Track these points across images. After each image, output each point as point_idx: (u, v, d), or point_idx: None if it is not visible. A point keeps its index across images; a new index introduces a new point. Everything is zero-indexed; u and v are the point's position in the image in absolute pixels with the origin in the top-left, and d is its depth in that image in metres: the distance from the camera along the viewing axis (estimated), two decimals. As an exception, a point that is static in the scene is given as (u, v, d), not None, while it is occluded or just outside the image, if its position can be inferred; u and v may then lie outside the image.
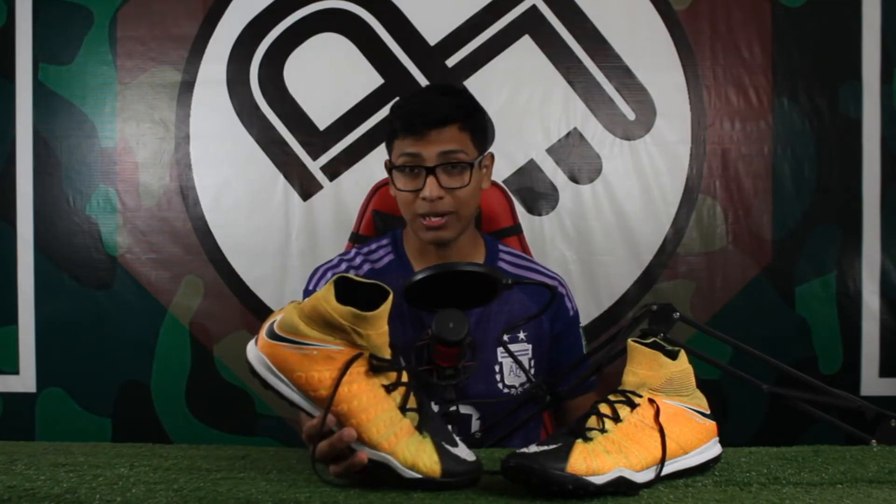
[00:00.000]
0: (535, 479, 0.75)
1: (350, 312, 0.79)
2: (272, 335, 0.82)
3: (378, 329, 0.81)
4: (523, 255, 1.44)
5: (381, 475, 0.79)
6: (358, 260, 1.35)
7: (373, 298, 0.82)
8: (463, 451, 0.82)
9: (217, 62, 2.12)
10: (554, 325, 1.34)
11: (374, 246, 1.37)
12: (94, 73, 2.14)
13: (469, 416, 1.27)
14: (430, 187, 1.21)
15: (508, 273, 1.33)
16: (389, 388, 0.81)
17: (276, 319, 0.82)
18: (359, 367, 0.80)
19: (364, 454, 0.79)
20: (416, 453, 0.79)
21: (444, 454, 0.80)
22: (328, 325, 0.79)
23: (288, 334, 0.81)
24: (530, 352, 1.31)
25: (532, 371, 1.31)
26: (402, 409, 0.81)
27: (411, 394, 0.82)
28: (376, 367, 0.81)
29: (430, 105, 1.26)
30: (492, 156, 1.34)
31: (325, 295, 0.80)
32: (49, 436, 2.11)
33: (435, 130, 1.22)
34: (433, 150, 1.22)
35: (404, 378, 0.83)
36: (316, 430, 0.80)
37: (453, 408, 1.11)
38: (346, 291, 0.82)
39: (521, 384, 1.29)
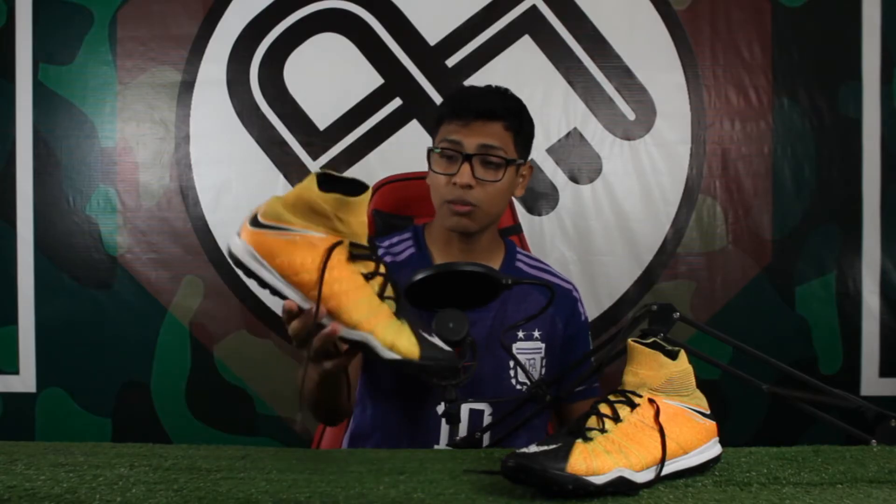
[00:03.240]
0: (535, 479, 0.75)
1: (333, 198, 0.82)
2: (255, 223, 0.83)
3: (359, 217, 0.83)
4: (539, 259, 1.46)
5: (363, 353, 0.84)
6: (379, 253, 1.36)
7: (352, 194, 0.84)
8: (438, 342, 0.85)
9: (217, 62, 2.12)
10: (567, 328, 1.35)
11: (395, 239, 1.38)
12: (94, 73, 2.14)
13: (482, 412, 1.28)
14: (464, 174, 1.24)
15: (526, 275, 1.36)
16: (368, 277, 0.84)
17: (259, 210, 0.85)
18: (339, 255, 0.83)
19: (337, 325, 0.83)
20: (395, 335, 0.82)
21: (422, 339, 0.83)
22: (311, 212, 0.82)
23: (272, 221, 0.83)
24: (543, 351, 1.32)
25: (543, 370, 1.32)
26: (381, 295, 0.84)
27: (388, 283, 0.85)
28: (356, 255, 0.84)
29: (481, 96, 1.30)
30: (531, 168, 1.36)
31: (309, 184, 0.82)
32: (49, 436, 2.11)
33: (480, 121, 1.25)
34: (474, 140, 1.24)
35: (382, 269, 0.85)
36: (301, 319, 0.84)
37: (453, 408, 1.11)
38: (328, 187, 0.84)
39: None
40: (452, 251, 1.32)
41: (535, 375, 1.31)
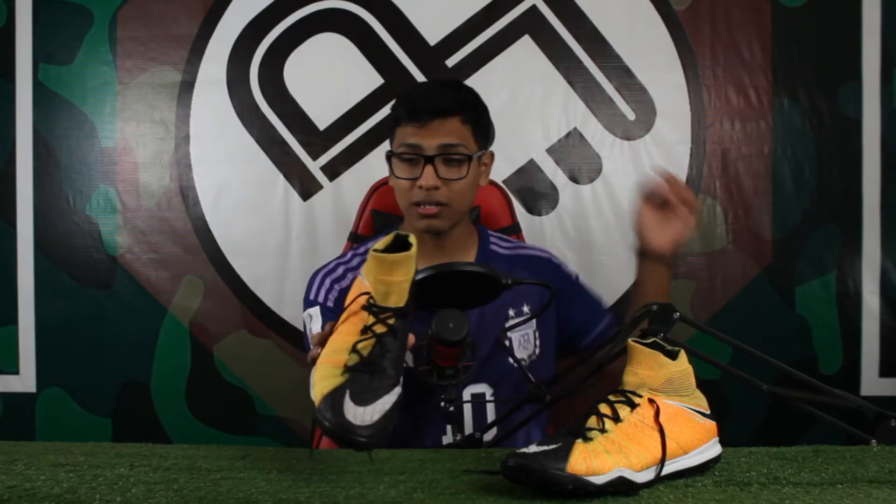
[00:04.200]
0: (535, 479, 0.75)
1: (371, 253, 0.91)
2: None
3: (392, 275, 0.88)
4: (510, 238, 1.47)
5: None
6: (355, 261, 1.36)
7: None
8: (361, 415, 0.80)
9: (217, 62, 2.12)
10: (561, 294, 1.35)
11: (371, 245, 1.38)
12: (94, 73, 2.14)
13: (482, 394, 1.29)
14: (428, 176, 1.23)
15: (502, 256, 1.36)
16: (363, 330, 0.86)
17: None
18: (361, 301, 0.89)
19: (315, 353, 0.91)
20: (319, 381, 0.83)
21: (334, 400, 0.80)
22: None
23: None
24: (534, 324, 1.33)
25: (538, 343, 1.33)
26: (353, 347, 0.85)
27: (373, 344, 0.85)
28: (367, 306, 0.88)
29: (434, 95, 1.29)
30: (492, 154, 1.35)
31: (384, 240, 0.97)
32: (49, 436, 2.11)
33: (437, 120, 1.24)
34: (434, 141, 1.24)
35: (379, 330, 0.86)
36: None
37: (452, 408, 1.11)
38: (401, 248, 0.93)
39: (529, 355, 1.32)
40: (427, 249, 1.32)
41: (531, 350, 1.31)
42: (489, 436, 1.23)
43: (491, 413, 1.29)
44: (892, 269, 2.06)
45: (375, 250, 0.91)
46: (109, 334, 2.13)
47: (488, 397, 1.29)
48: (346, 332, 0.87)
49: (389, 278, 0.88)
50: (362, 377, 0.83)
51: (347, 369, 0.83)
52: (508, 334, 1.30)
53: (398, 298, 0.89)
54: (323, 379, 0.83)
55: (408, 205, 1.28)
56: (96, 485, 0.81)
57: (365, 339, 0.86)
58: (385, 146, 1.35)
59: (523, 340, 1.30)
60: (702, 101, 2.09)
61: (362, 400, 0.81)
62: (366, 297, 0.89)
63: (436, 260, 1.29)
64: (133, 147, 2.15)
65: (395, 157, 1.27)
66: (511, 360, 1.26)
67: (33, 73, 2.14)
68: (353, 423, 0.79)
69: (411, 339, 0.93)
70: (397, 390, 0.84)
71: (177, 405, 2.13)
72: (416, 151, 1.25)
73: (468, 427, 1.28)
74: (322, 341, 0.91)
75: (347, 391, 0.81)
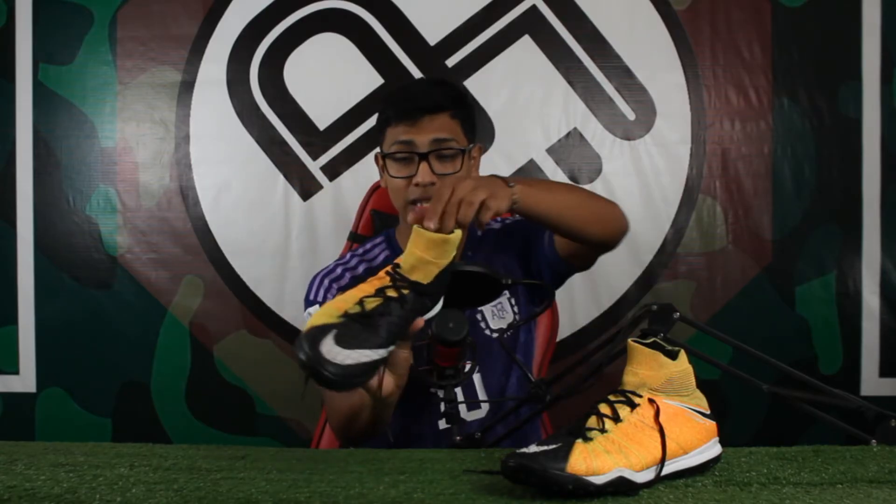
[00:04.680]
0: (535, 479, 0.75)
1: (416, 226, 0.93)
2: None
3: (423, 250, 0.90)
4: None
5: None
6: (353, 262, 1.37)
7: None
8: (334, 354, 0.81)
9: (217, 62, 2.12)
10: (512, 240, 1.36)
11: (368, 246, 1.41)
12: (94, 73, 2.14)
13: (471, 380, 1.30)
14: (423, 173, 1.24)
15: (488, 236, 1.37)
16: (378, 291, 0.88)
17: None
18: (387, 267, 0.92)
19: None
20: (316, 316, 0.85)
21: (316, 334, 0.82)
22: None
23: None
24: (507, 292, 1.33)
25: (515, 309, 1.34)
26: (360, 300, 0.86)
27: (379, 302, 0.86)
28: (389, 271, 0.90)
29: (422, 93, 1.30)
30: (480, 148, 1.36)
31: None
32: (49, 436, 2.11)
33: (427, 116, 1.25)
34: (426, 137, 1.25)
35: (390, 294, 0.87)
36: None
37: (453, 409, 1.11)
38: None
39: (509, 325, 1.32)
40: None
41: (511, 318, 1.32)
42: (474, 415, 1.24)
43: (480, 390, 1.30)
44: (892, 269, 2.06)
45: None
46: (109, 334, 2.13)
47: (476, 380, 1.30)
48: (361, 289, 0.89)
49: (420, 253, 0.90)
50: (353, 325, 0.84)
51: (345, 315, 0.84)
52: (480, 308, 1.31)
53: (422, 276, 0.90)
54: (319, 315, 0.85)
55: (403, 204, 1.29)
56: (96, 485, 0.81)
57: (373, 298, 0.87)
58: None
59: (497, 311, 1.31)
60: (702, 101, 2.09)
61: (342, 342, 0.82)
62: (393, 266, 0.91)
63: None
64: (133, 147, 2.15)
65: (388, 158, 1.28)
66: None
67: (33, 73, 2.14)
68: (325, 356, 0.80)
69: (420, 322, 0.93)
70: (380, 353, 0.85)
71: (177, 405, 2.13)
72: (409, 149, 1.25)
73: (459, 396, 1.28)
74: None
75: (334, 331, 0.82)
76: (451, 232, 0.94)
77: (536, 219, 1.14)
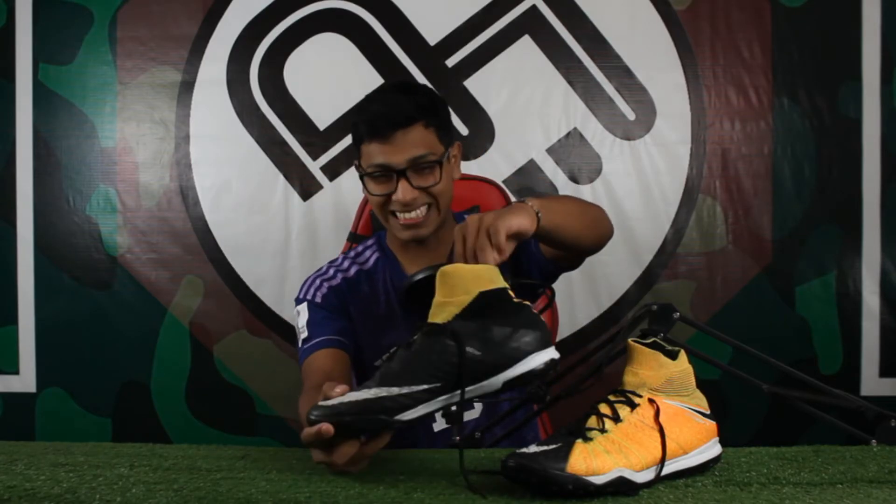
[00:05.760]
0: (535, 479, 0.75)
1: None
2: None
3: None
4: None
5: None
6: (346, 264, 1.38)
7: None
8: (348, 397, 0.82)
9: (217, 62, 2.12)
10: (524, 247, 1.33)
11: (360, 248, 1.41)
12: (94, 73, 2.14)
13: None
14: (403, 191, 1.22)
15: None
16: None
17: None
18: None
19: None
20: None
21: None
22: None
23: None
24: None
25: None
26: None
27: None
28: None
29: (392, 106, 1.24)
30: (459, 145, 1.34)
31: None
32: (49, 436, 2.11)
33: (401, 131, 1.21)
34: (402, 156, 1.21)
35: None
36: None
37: (454, 408, 1.11)
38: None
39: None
40: (411, 249, 1.33)
41: None
42: (468, 416, 1.23)
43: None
44: (892, 269, 2.06)
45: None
46: (109, 334, 2.13)
47: None
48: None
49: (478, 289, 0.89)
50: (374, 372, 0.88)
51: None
52: None
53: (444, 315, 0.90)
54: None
55: (386, 216, 1.28)
56: (96, 485, 0.81)
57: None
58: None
59: None
60: (702, 101, 2.09)
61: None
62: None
63: (422, 260, 1.30)
64: (133, 147, 2.15)
65: (367, 176, 1.26)
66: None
67: (33, 73, 2.14)
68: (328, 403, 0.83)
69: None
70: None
71: (177, 405, 2.13)
72: (385, 170, 1.23)
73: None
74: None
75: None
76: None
77: (555, 231, 1.11)
